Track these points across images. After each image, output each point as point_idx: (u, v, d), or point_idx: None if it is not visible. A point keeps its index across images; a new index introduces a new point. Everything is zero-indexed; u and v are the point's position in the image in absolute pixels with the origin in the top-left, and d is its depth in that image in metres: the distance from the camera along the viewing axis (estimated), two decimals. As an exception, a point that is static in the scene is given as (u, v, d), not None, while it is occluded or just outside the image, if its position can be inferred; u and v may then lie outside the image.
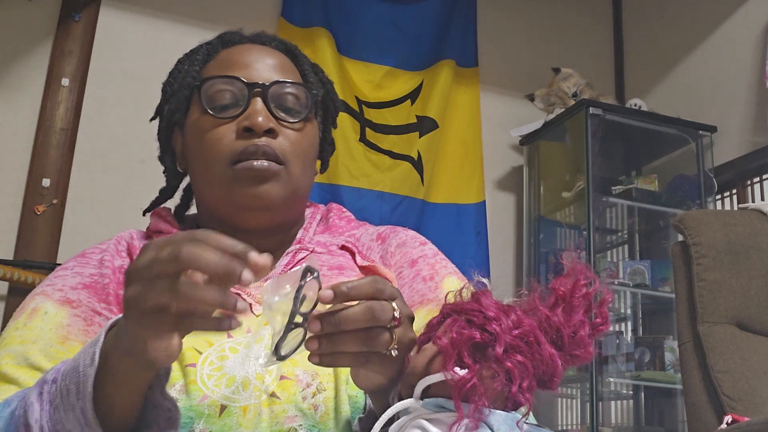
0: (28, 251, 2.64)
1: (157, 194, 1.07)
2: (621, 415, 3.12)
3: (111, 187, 2.79)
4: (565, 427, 3.05)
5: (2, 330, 0.88)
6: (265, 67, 0.96)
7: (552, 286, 0.69)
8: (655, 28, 3.52)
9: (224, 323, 0.58)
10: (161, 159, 1.04)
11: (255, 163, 0.90)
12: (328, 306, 0.65)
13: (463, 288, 0.72)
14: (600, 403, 2.84)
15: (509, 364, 0.64)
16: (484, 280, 0.73)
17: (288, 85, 0.96)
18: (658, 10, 3.50)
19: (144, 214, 1.04)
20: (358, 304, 0.65)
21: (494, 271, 3.18)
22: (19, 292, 2.55)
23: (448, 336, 0.66)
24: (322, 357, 0.65)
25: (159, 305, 0.58)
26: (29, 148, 2.74)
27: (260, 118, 0.91)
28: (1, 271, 2.49)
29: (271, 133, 0.92)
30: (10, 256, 2.62)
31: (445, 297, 0.72)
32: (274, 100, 0.94)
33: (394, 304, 0.67)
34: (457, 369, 0.64)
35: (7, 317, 2.54)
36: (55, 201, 2.72)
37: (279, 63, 0.99)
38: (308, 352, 0.66)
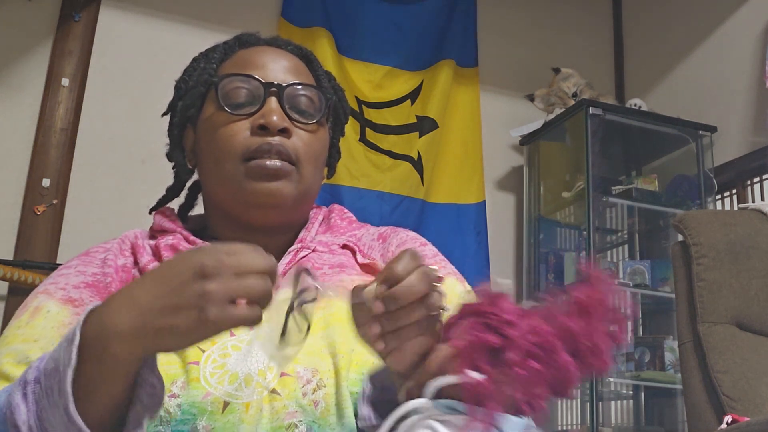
0: (28, 251, 2.64)
1: (164, 192, 1.07)
2: (621, 415, 3.12)
3: (111, 187, 2.79)
4: (565, 427, 3.05)
5: (3, 329, 0.88)
6: (280, 68, 0.98)
7: (573, 293, 0.69)
8: (655, 28, 3.52)
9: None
10: (170, 155, 1.05)
11: (268, 162, 0.92)
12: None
13: (482, 287, 0.72)
14: (600, 403, 2.84)
15: (525, 371, 0.63)
16: (503, 281, 0.73)
17: (303, 87, 0.98)
18: (658, 10, 3.51)
19: (150, 212, 1.05)
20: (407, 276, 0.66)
21: (494, 271, 3.18)
22: (19, 292, 2.55)
23: (464, 338, 0.65)
24: (387, 340, 0.66)
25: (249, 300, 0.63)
26: (29, 148, 2.74)
27: (275, 117, 0.93)
28: (1, 271, 2.48)
29: (284, 132, 0.94)
30: (10, 256, 2.62)
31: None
32: (288, 100, 0.96)
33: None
34: (471, 372, 0.63)
35: (7, 317, 2.54)
36: (55, 201, 2.72)
37: (294, 66, 1.00)
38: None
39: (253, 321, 0.63)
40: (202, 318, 0.61)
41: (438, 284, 0.68)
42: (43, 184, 2.72)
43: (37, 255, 2.64)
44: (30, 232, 2.67)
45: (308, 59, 1.05)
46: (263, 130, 0.93)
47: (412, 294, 0.65)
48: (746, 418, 1.52)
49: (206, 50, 1.04)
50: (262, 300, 0.63)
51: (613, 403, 3.09)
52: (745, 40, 2.94)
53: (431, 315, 0.67)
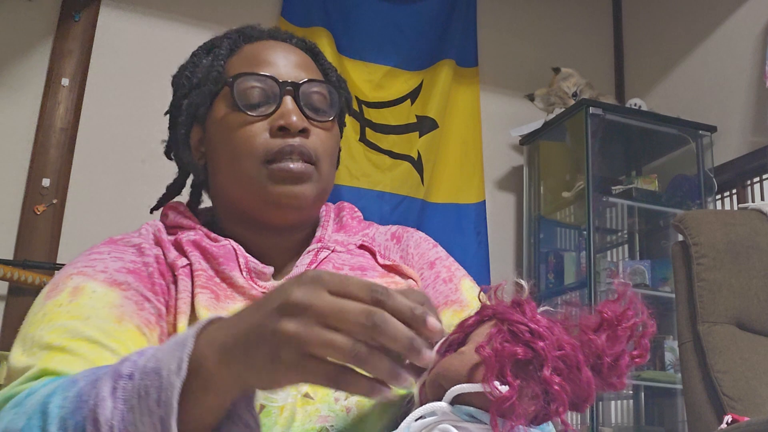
0: (28, 251, 2.64)
1: (164, 191, 1.06)
2: (621, 415, 3.12)
3: (111, 187, 2.79)
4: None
5: (3, 329, 0.87)
6: (291, 64, 0.97)
7: (599, 308, 0.68)
8: (655, 28, 3.52)
9: (375, 389, 0.55)
10: (176, 155, 1.02)
11: (291, 165, 0.91)
12: None
13: (497, 288, 0.71)
14: (600, 402, 2.84)
15: (556, 387, 0.63)
16: (522, 282, 0.72)
17: (317, 84, 0.97)
18: (658, 10, 3.50)
19: (151, 212, 1.03)
20: None
21: (494, 271, 3.18)
22: (19, 292, 2.55)
23: (491, 346, 0.64)
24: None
25: (331, 357, 0.54)
26: (29, 148, 2.74)
27: (295, 118, 0.92)
28: (1, 271, 2.48)
29: (304, 132, 0.93)
30: (10, 256, 2.62)
31: (479, 296, 0.72)
32: (304, 98, 0.95)
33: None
34: (496, 383, 0.62)
35: (7, 317, 2.53)
36: (55, 201, 2.72)
37: (303, 61, 0.99)
38: None
39: (331, 385, 0.55)
40: (275, 360, 0.55)
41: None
42: (43, 184, 2.71)
43: (37, 255, 2.64)
44: (30, 232, 2.67)
45: (313, 52, 1.04)
46: (283, 130, 0.92)
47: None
48: (746, 418, 1.52)
49: (206, 45, 1.03)
50: (355, 360, 0.54)
51: (613, 402, 3.09)
52: (745, 40, 2.94)
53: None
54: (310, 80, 0.96)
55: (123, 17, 2.97)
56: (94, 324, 0.77)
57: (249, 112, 0.93)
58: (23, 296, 2.52)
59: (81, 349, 0.74)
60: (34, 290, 2.43)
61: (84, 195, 2.77)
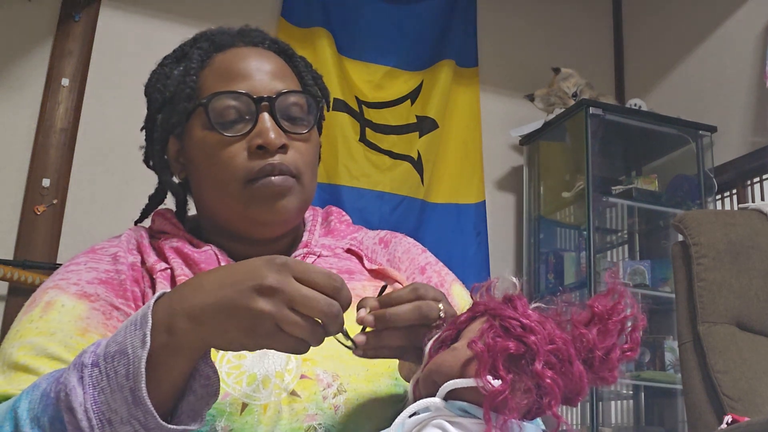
0: (28, 251, 2.64)
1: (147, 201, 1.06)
2: (621, 415, 3.12)
3: (111, 187, 2.79)
4: (565, 427, 3.05)
5: (3, 329, 0.87)
6: (265, 75, 0.95)
7: (590, 303, 0.69)
8: (655, 28, 3.52)
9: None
10: (155, 167, 1.02)
11: (273, 178, 0.91)
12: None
13: (490, 284, 0.72)
14: (600, 403, 2.84)
15: (548, 381, 0.63)
16: (514, 279, 0.72)
17: (292, 95, 0.95)
18: (658, 10, 3.51)
19: (136, 224, 1.03)
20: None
21: (494, 271, 3.18)
22: (19, 292, 2.55)
23: (483, 341, 0.65)
24: (366, 350, 0.72)
25: (294, 334, 0.65)
26: (29, 148, 2.74)
27: (272, 135, 0.90)
28: (1, 271, 2.48)
29: (283, 148, 0.92)
30: (10, 256, 2.62)
31: (471, 291, 0.74)
32: (280, 112, 0.93)
33: (440, 304, 0.74)
34: (488, 377, 0.63)
35: (7, 317, 2.54)
36: (55, 201, 2.72)
37: (278, 69, 0.97)
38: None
39: (298, 352, 0.66)
40: (249, 330, 0.64)
41: (439, 323, 0.73)
42: (43, 184, 2.72)
43: (37, 255, 2.64)
44: (30, 232, 2.67)
45: (287, 54, 1.02)
46: (261, 149, 0.90)
47: (398, 321, 0.71)
48: (746, 418, 1.52)
49: (176, 53, 1.01)
50: (310, 339, 0.65)
51: (613, 403, 3.09)
52: (745, 40, 2.94)
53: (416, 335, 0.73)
54: (284, 92, 0.94)
55: (123, 17, 2.97)
56: (59, 339, 0.80)
57: (226, 133, 0.91)
58: (23, 296, 2.52)
59: (42, 368, 0.78)
60: (34, 290, 2.43)
61: (84, 195, 2.77)
